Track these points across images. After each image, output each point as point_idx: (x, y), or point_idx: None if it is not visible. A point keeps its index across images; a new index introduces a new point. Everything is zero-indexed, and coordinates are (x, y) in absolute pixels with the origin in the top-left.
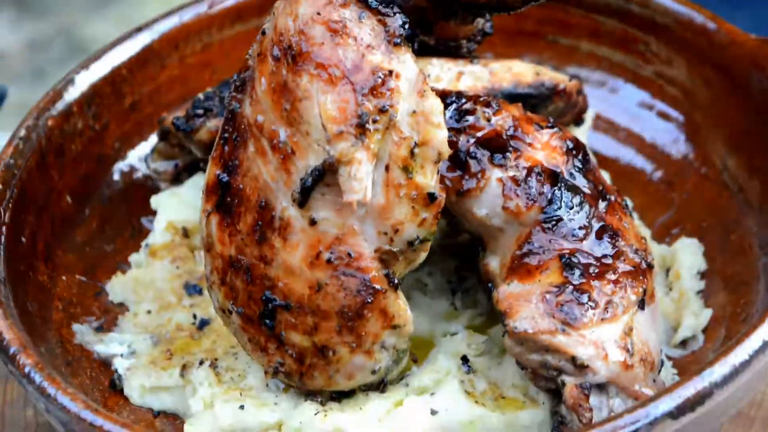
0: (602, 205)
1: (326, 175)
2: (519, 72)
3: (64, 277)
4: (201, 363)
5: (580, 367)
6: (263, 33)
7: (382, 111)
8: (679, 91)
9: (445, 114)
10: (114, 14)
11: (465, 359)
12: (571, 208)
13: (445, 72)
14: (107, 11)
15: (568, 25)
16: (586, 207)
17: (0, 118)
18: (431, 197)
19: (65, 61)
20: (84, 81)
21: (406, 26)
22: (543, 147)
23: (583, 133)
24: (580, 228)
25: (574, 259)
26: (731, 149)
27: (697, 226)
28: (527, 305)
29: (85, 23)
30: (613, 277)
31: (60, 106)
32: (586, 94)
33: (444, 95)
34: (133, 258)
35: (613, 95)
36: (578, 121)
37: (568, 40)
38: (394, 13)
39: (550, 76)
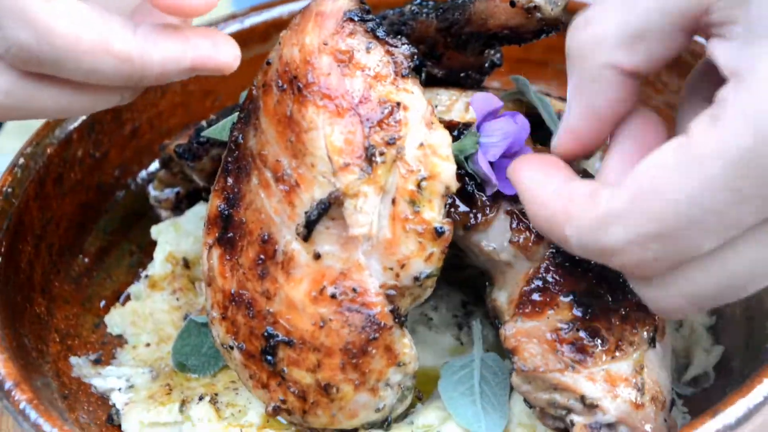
0: None
1: (331, 209)
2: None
3: (61, 309)
4: (201, 398)
5: (589, 406)
6: (268, 63)
7: (389, 143)
8: None
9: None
10: None
11: None
12: None
13: (452, 102)
14: None
15: None
16: None
17: None
18: (438, 232)
19: None
20: None
21: (415, 57)
22: None
23: (590, 164)
24: (590, 264)
25: (584, 296)
26: None
27: None
28: (535, 343)
29: None
30: (623, 313)
31: (59, 133)
32: None
33: (451, 127)
34: (133, 289)
35: None
36: None
37: None
38: (403, 44)
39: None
